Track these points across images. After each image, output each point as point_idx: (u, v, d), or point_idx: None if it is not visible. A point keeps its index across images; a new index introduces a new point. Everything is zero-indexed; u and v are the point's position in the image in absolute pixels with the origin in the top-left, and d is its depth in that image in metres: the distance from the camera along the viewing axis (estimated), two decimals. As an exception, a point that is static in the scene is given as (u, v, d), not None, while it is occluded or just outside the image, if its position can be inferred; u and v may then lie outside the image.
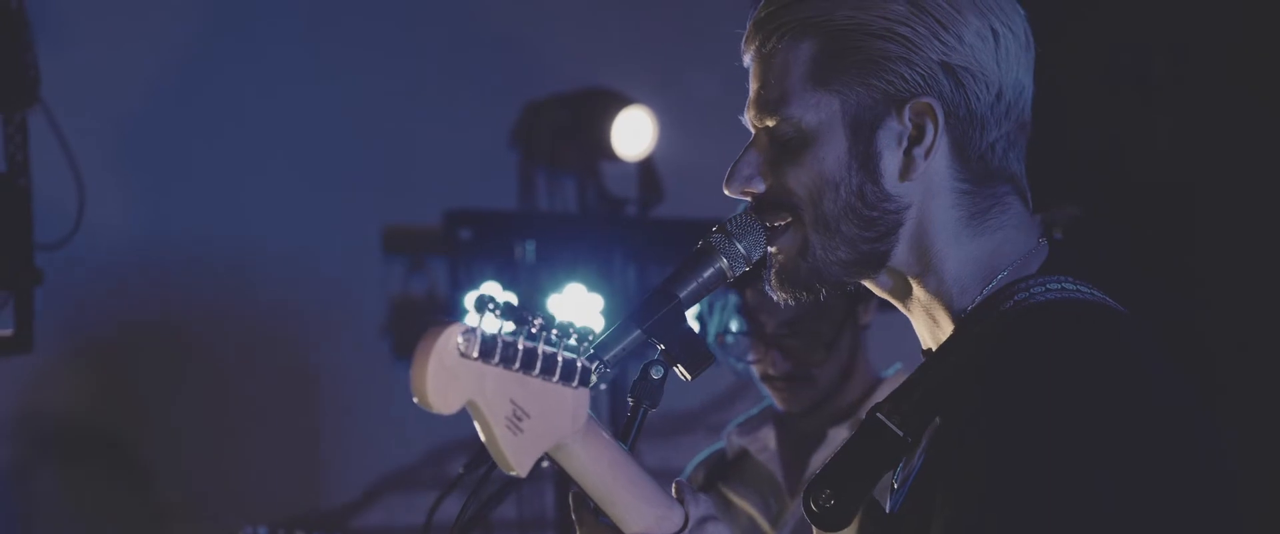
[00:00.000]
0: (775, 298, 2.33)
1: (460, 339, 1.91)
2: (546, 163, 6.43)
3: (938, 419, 2.15)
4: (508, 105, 6.41)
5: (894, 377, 4.00)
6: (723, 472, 4.06)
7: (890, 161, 2.25)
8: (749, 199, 2.33)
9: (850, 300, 3.90)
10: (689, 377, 2.28)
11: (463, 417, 5.54)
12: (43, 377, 5.42)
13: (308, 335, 5.94)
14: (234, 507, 5.65)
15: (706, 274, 2.32)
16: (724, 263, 2.31)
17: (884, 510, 2.21)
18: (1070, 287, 2.21)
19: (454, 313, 6.02)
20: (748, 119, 2.35)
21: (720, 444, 4.13)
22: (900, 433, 2.19)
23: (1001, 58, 2.25)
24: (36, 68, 4.53)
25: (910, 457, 2.18)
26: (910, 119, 2.24)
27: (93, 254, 5.29)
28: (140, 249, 5.62)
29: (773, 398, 3.99)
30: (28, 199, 4.63)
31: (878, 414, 2.23)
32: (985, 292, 2.25)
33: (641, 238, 6.39)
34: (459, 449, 6.17)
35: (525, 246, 6.13)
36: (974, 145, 2.26)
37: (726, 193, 2.33)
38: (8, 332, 4.73)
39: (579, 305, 6.00)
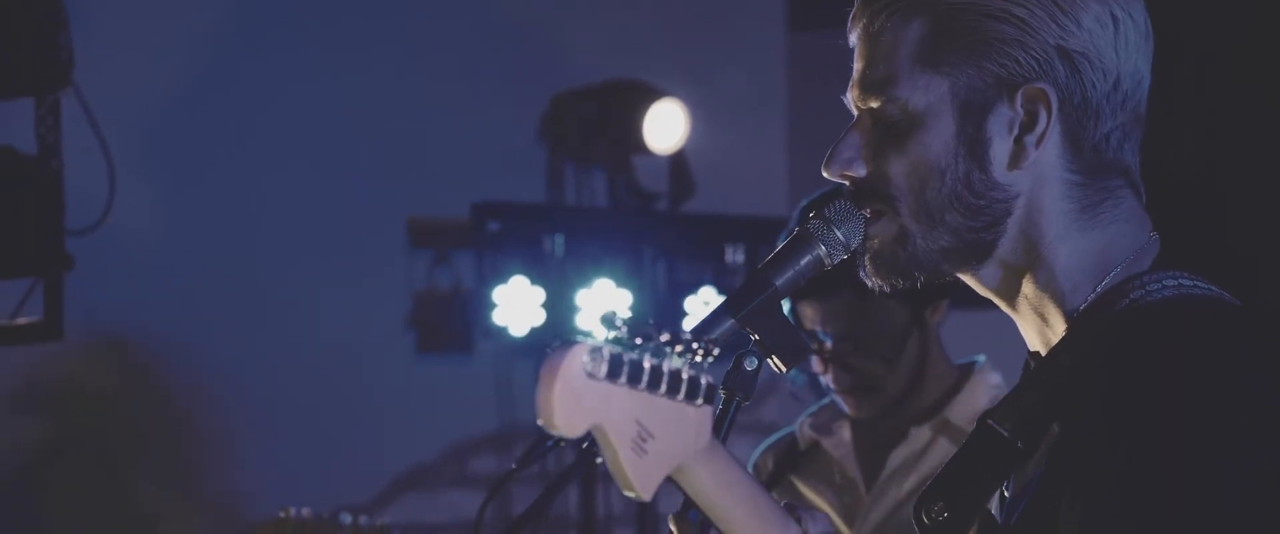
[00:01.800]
0: (870, 284, 2.26)
1: (587, 359, 1.87)
2: (575, 156, 6.45)
3: (1055, 426, 2.10)
4: (536, 97, 6.44)
5: (982, 369, 3.96)
6: (794, 462, 4.02)
7: (1000, 148, 2.18)
8: (848, 183, 2.25)
9: (914, 307, 3.85)
10: (784, 368, 2.20)
11: (487, 413, 5.61)
12: (72, 363, 5.41)
13: (332, 328, 5.95)
14: (255, 499, 5.67)
15: (804, 261, 2.24)
16: (822, 250, 2.24)
17: (996, 522, 2.18)
18: (1187, 282, 2.15)
19: (479, 306, 6.11)
20: (850, 99, 2.26)
21: (789, 429, 4.10)
22: (1015, 441, 2.13)
23: (1120, 45, 2.19)
24: (71, 49, 4.49)
25: (1025, 466, 2.14)
26: (1022, 105, 2.17)
27: (121, 241, 5.28)
28: (167, 238, 5.64)
29: (842, 404, 3.94)
30: (59, 183, 4.57)
31: (990, 421, 2.17)
32: (1099, 289, 2.18)
33: (672, 233, 6.42)
34: (483, 446, 6.31)
35: (553, 240, 6.16)
36: (1088, 135, 2.19)
37: (825, 174, 2.26)
38: (37, 318, 4.68)
39: (607, 300, 6.12)
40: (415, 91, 6.14)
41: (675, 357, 1.93)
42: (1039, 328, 2.24)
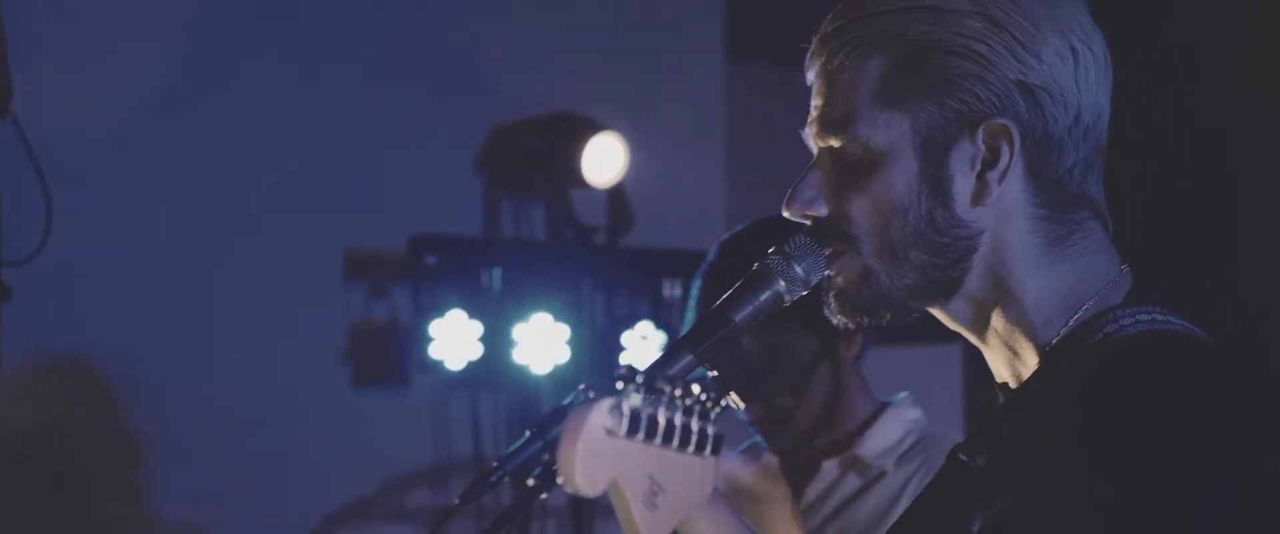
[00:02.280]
0: (835, 322, 2.27)
1: (608, 418, 1.89)
2: (514, 189, 6.37)
3: (1029, 459, 2.07)
4: (474, 130, 6.35)
5: (900, 405, 3.96)
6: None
7: (963, 185, 2.19)
8: (809, 221, 2.25)
9: (825, 339, 3.85)
10: (742, 405, 2.17)
11: (422, 447, 5.49)
12: (9, 396, 5.37)
13: (267, 359, 5.86)
14: (192, 532, 5.64)
15: (763, 297, 2.23)
16: (782, 286, 2.23)
17: None
18: (1160, 318, 2.15)
19: (416, 340, 6.00)
20: (809, 137, 2.27)
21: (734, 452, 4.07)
22: (987, 474, 2.13)
23: (1081, 78, 2.20)
24: (9, 78, 4.48)
25: (996, 499, 2.10)
26: (984, 141, 2.18)
27: (59, 272, 5.23)
28: (105, 268, 5.56)
29: (759, 438, 3.95)
30: (-3, 213, 4.46)
31: (960, 455, 2.17)
32: (1071, 323, 2.18)
33: (610, 267, 6.34)
34: (419, 480, 6.17)
35: (491, 274, 6.08)
36: (1051, 169, 2.20)
37: (786, 214, 2.26)
38: (-28, 349, 4.59)
39: (545, 335, 6.06)
40: (353, 123, 6.04)
41: (685, 410, 1.95)
42: (1009, 360, 2.25)
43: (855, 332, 3.64)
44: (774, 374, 3.82)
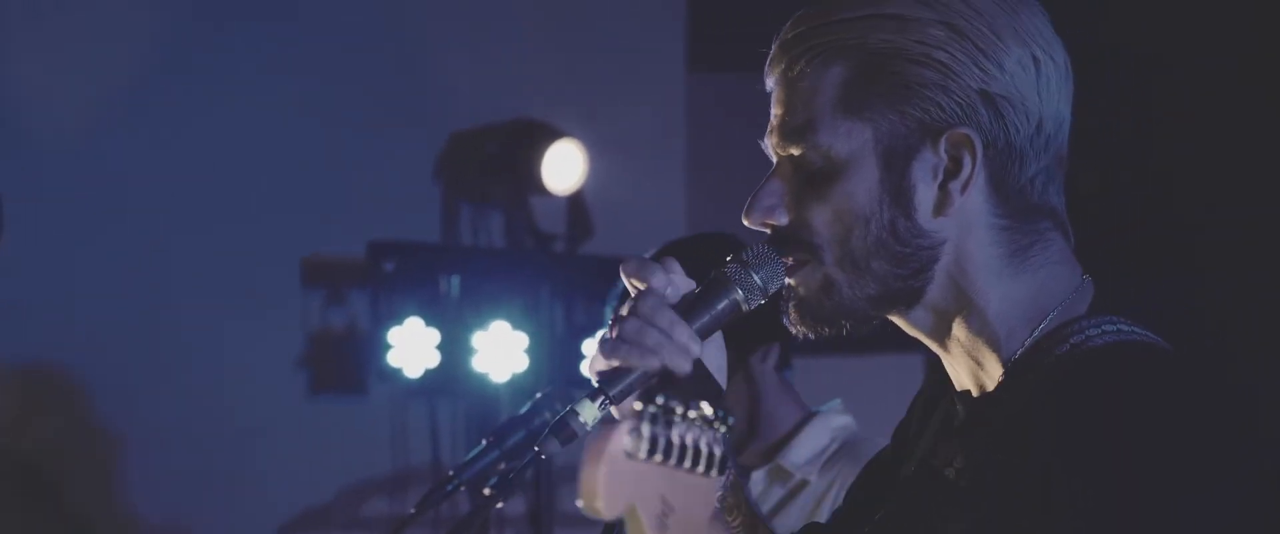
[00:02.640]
0: (795, 332, 2.26)
1: (629, 441, 1.89)
2: (473, 196, 6.38)
3: (1003, 469, 2.08)
4: (434, 136, 6.35)
5: (829, 413, 4.01)
6: None
7: (924, 195, 2.19)
8: (769, 230, 2.25)
9: (737, 351, 3.75)
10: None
11: (380, 455, 5.50)
12: None
13: (224, 366, 5.84)
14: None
15: (720, 306, 2.21)
16: (739, 294, 2.22)
17: None
18: (1125, 328, 2.17)
19: (374, 347, 6.01)
20: (769, 146, 2.26)
21: None
22: (957, 483, 2.14)
23: (1043, 88, 2.20)
24: None
25: (972, 509, 2.11)
26: (946, 151, 2.18)
27: (11, 277, 5.22)
28: (57, 274, 5.54)
29: None
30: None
31: (932, 463, 2.19)
32: (1035, 334, 2.19)
33: (570, 275, 6.33)
34: (376, 489, 6.18)
35: (449, 281, 6.09)
36: (1013, 179, 2.20)
37: (746, 222, 2.25)
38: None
39: (504, 343, 6.06)
40: (311, 128, 6.04)
41: (695, 429, 1.95)
42: (972, 369, 2.25)
43: (768, 343, 3.90)
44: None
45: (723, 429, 1.96)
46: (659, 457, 1.91)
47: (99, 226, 5.65)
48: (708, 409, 1.94)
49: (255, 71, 5.97)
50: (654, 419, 1.89)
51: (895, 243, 2.19)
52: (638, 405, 1.87)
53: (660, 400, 1.90)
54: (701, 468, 1.95)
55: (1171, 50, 5.26)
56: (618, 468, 1.88)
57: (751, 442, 3.95)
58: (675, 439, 1.93)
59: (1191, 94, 5.20)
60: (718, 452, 1.97)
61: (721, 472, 1.96)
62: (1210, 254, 5.15)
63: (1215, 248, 5.16)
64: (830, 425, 3.97)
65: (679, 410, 1.92)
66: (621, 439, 1.88)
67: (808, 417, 3.99)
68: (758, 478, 3.93)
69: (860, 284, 2.21)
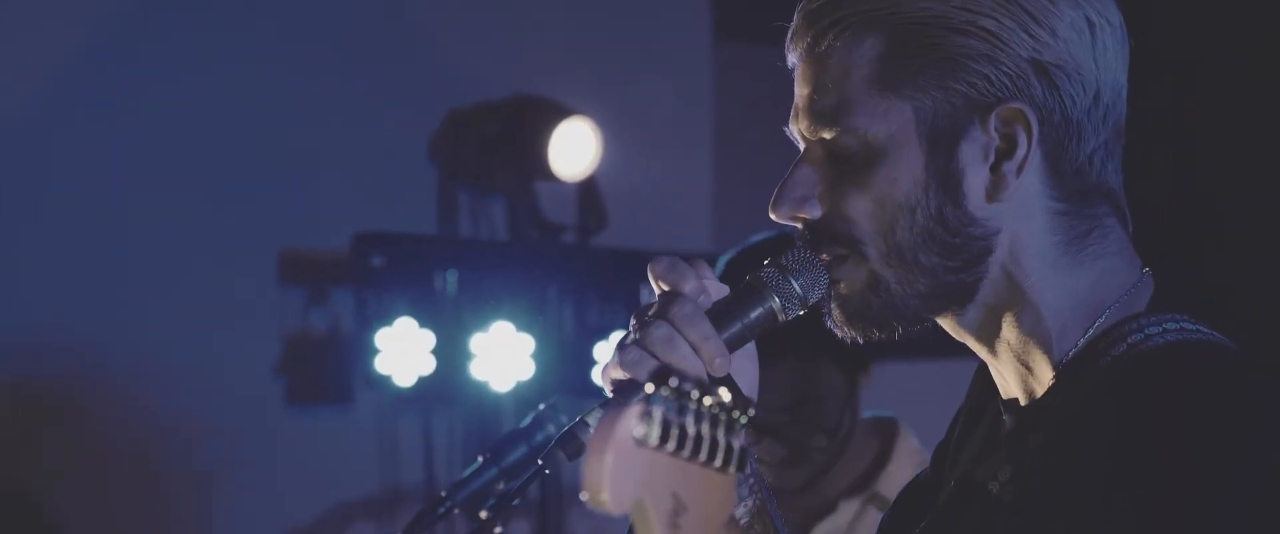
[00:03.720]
0: (841, 336, 2.25)
1: (638, 426, 1.85)
2: (472, 181, 6.36)
3: (1056, 483, 2.07)
4: (429, 114, 6.32)
5: (903, 435, 4.06)
6: None
7: (975, 179, 2.17)
8: (801, 225, 2.23)
9: (849, 373, 3.92)
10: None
11: (366, 473, 5.66)
12: None
13: (190, 374, 5.80)
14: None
15: (753, 315, 2.21)
16: (776, 303, 2.21)
17: None
18: (1189, 327, 2.15)
19: (360, 352, 5.96)
20: (795, 130, 2.24)
21: None
22: (1004, 496, 2.16)
23: (1099, 54, 2.18)
24: None
25: (1014, 522, 2.13)
26: (997, 129, 2.16)
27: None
28: (14, 266, 5.55)
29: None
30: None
31: (976, 478, 2.19)
32: (1090, 333, 2.18)
33: (581, 270, 6.35)
34: (362, 511, 6.16)
35: (446, 277, 6.06)
36: (1070, 157, 2.18)
37: (774, 217, 2.24)
38: None
39: (506, 347, 6.01)
40: (290, 105, 5.99)
41: (712, 419, 1.92)
42: (1021, 375, 2.23)
43: (871, 361, 3.95)
44: (807, 415, 3.90)
45: (743, 420, 1.92)
46: (671, 445, 1.88)
47: (46, 222, 5.63)
48: (727, 395, 1.91)
49: (226, 40, 5.93)
50: (666, 404, 1.86)
51: (945, 233, 2.18)
52: (650, 387, 1.85)
53: (674, 383, 1.86)
54: (719, 462, 1.93)
55: (1176, 46, 5.38)
56: (626, 456, 1.86)
57: (840, 467, 4.01)
58: (690, 428, 1.90)
59: (1208, 88, 5.55)
60: (737, 445, 1.94)
61: (740, 468, 1.93)
62: (1231, 246, 5.49)
63: (1236, 240, 5.51)
64: (910, 448, 4.02)
65: (694, 395, 1.89)
66: (630, 424, 1.85)
67: (887, 439, 4.05)
68: (848, 507, 4.00)
69: (910, 281, 2.19)
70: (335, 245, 6.01)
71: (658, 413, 1.86)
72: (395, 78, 6.23)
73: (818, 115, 2.20)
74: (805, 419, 3.91)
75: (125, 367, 5.72)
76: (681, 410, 1.88)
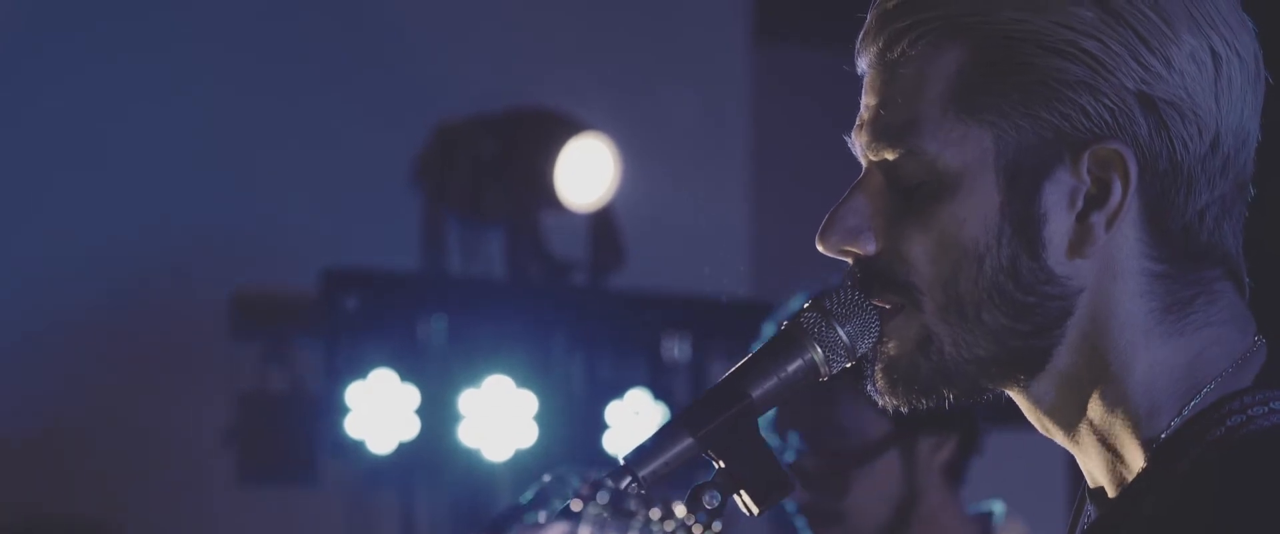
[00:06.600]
0: (882, 403, 2.19)
1: None
2: (464, 208, 6.24)
3: None
4: (413, 128, 6.21)
5: (1003, 527, 4.00)
6: None
7: (1058, 228, 2.11)
8: (851, 260, 2.18)
9: (896, 424, 3.89)
10: (756, 510, 2.14)
11: None
12: None
13: (128, 443, 5.71)
14: None
15: (792, 368, 2.15)
16: (818, 354, 2.15)
17: None
18: None
19: (328, 413, 5.83)
20: (857, 146, 2.18)
21: None
22: None
23: (1222, 92, 2.10)
24: None
25: None
26: (1090, 171, 2.09)
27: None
28: None
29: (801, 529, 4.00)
30: None
31: None
32: (1186, 412, 2.11)
33: (592, 315, 6.28)
34: None
35: (431, 323, 5.95)
36: (1176, 212, 2.12)
37: (822, 249, 2.19)
38: None
39: (503, 407, 5.91)
40: (245, 119, 5.91)
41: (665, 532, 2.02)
42: (1107, 462, 2.18)
43: (945, 433, 3.96)
44: (819, 448, 3.89)
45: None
46: None
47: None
48: (681, 510, 1.90)
49: (174, 46, 5.87)
50: (600, 524, 1.95)
51: (1016, 289, 2.14)
52: (576, 504, 1.94)
53: (599, 498, 1.92)
54: None
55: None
56: None
57: None
58: None
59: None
60: None
61: None
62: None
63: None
64: None
65: (641, 513, 1.94)
66: None
67: (982, 522, 3.96)
68: None
69: (968, 342, 2.16)
70: (300, 284, 5.91)
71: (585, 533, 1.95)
72: (378, 89, 6.18)
73: (881, 132, 2.15)
74: (819, 455, 3.89)
75: (56, 431, 5.70)
76: (622, 528, 1.91)
